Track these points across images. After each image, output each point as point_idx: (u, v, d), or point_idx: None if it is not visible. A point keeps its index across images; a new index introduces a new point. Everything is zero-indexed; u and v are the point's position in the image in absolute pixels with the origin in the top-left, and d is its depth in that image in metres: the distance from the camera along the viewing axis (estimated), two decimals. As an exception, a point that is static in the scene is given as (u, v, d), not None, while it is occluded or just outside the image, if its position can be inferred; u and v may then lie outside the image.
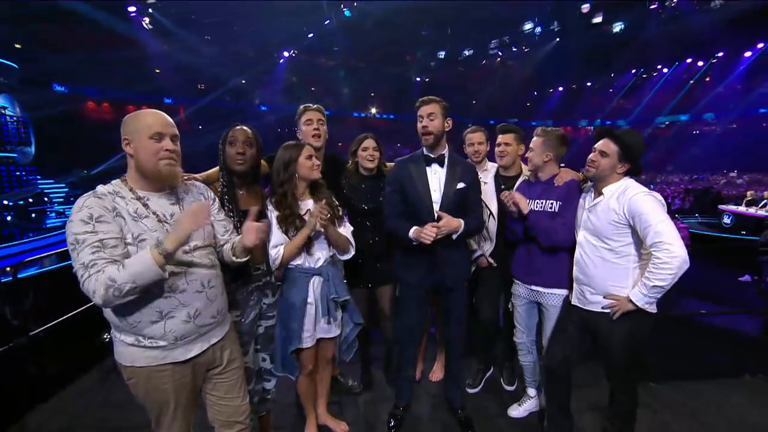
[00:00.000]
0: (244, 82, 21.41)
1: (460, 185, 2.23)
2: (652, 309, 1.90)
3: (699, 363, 3.26)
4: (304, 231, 2.01)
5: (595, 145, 2.00)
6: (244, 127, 2.00)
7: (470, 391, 2.83)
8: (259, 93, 23.16)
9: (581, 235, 2.07)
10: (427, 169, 2.25)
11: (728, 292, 5.30)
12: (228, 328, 1.69)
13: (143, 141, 1.45)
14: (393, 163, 2.42)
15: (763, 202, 10.18)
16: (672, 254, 1.75)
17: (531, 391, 2.58)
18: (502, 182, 2.59)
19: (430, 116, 2.19)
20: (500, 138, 2.60)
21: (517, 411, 2.57)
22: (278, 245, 2.04)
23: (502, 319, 3.18)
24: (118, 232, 1.37)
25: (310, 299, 2.10)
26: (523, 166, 2.63)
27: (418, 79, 23.09)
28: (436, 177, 2.24)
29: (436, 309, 2.70)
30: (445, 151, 2.26)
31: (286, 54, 20.04)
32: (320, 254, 2.11)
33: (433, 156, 2.25)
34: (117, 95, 17.00)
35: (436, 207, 2.19)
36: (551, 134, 2.27)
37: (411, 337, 2.41)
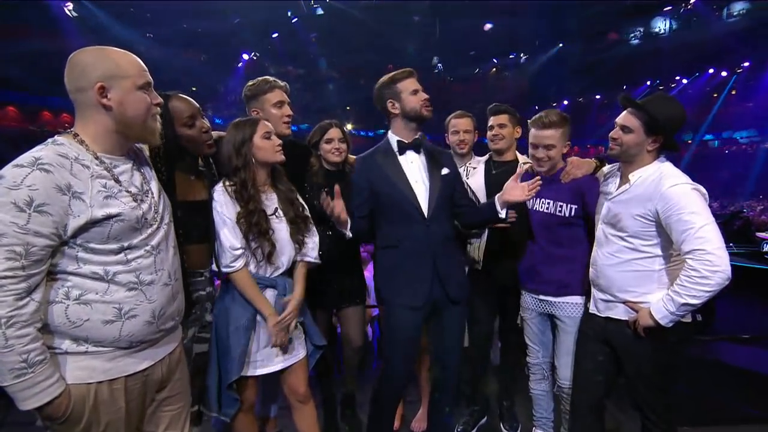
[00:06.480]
0: (194, 89, 21.36)
1: (445, 171, 2.17)
2: (687, 319, 1.83)
3: (736, 408, 3.37)
4: (268, 313, 1.96)
5: (617, 120, 1.95)
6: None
7: (462, 438, 2.67)
8: (211, 104, 23.12)
9: (600, 230, 2.01)
10: (401, 158, 2.16)
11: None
12: (180, 336, 1.59)
13: (131, 92, 1.37)
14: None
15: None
16: (714, 267, 1.66)
17: (539, 434, 2.46)
18: (494, 168, 2.57)
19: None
20: (492, 120, 2.59)
21: (522, 460, 2.42)
22: (240, 248, 1.93)
23: (498, 356, 3.07)
24: (53, 235, 1.22)
25: (260, 316, 2.00)
26: (518, 155, 2.65)
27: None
28: (415, 166, 2.17)
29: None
30: (419, 135, 2.20)
31: (245, 57, 20.11)
32: (282, 260, 2.02)
33: (407, 141, 2.16)
34: (29, 99, 16.51)
35: (423, 203, 2.09)
36: (565, 120, 2.23)
37: (402, 385, 2.26)
